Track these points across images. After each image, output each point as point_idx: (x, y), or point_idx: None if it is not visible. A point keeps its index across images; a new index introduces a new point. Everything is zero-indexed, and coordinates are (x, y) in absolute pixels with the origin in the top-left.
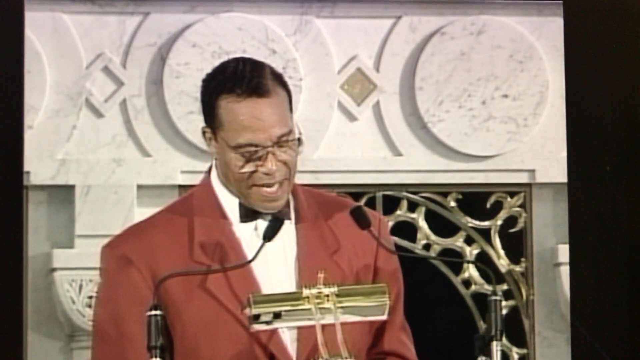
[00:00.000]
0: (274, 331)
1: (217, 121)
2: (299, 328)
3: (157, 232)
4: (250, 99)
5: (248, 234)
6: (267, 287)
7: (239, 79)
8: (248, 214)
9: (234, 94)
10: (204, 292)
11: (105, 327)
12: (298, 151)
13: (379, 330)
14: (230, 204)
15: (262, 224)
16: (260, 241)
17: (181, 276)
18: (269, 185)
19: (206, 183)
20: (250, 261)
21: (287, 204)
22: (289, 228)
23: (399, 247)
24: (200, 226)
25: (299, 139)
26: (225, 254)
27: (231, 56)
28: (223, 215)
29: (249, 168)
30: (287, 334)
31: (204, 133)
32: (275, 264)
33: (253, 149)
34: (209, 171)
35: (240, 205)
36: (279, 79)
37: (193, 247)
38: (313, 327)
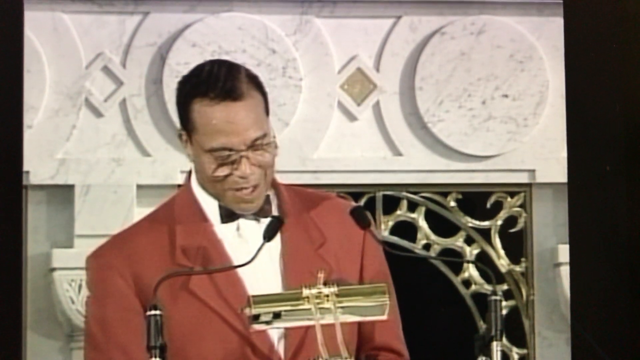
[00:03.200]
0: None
1: (191, 124)
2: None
3: (139, 238)
4: (223, 103)
5: (230, 235)
6: (252, 285)
7: (213, 82)
8: (228, 215)
9: (207, 97)
10: (189, 293)
11: (94, 335)
12: (274, 153)
13: (371, 325)
14: (210, 206)
15: (243, 224)
16: (242, 241)
17: (168, 278)
18: (244, 190)
19: (186, 186)
20: (249, 262)
21: (269, 203)
22: None
23: (398, 247)
24: (182, 229)
25: (274, 142)
26: (207, 255)
27: (231, 56)
28: (204, 218)
29: (223, 172)
30: (275, 331)
31: (180, 136)
32: (259, 262)
33: (227, 153)
34: (189, 174)
35: (220, 206)
36: (254, 81)
37: (175, 250)
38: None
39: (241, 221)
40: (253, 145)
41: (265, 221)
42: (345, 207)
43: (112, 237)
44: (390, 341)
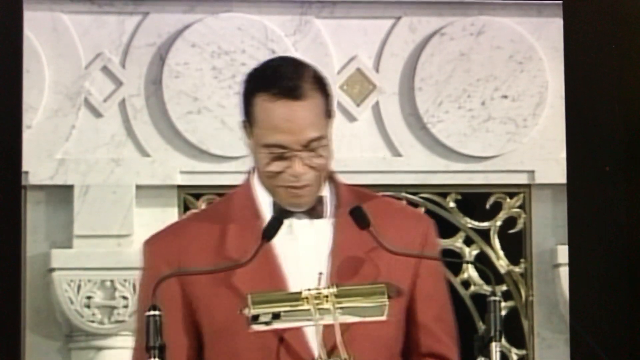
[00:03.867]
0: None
1: (252, 117)
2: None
3: (192, 230)
4: (284, 100)
5: (281, 233)
6: (296, 283)
7: (277, 79)
8: (281, 213)
9: (269, 93)
10: (230, 288)
11: (138, 319)
12: (329, 157)
13: (417, 331)
14: (265, 201)
15: (296, 223)
16: (292, 239)
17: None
18: (295, 187)
19: (247, 181)
20: (248, 262)
21: (322, 203)
22: (324, 225)
23: None
24: (234, 225)
25: (329, 146)
26: (256, 252)
27: (230, 56)
28: (257, 213)
29: (275, 168)
30: (310, 328)
31: (244, 127)
32: (306, 260)
33: (281, 150)
34: (252, 169)
35: (274, 204)
36: (319, 82)
37: (225, 245)
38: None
39: (294, 220)
40: (308, 146)
41: (319, 222)
42: (408, 212)
43: (168, 225)
44: (434, 346)
